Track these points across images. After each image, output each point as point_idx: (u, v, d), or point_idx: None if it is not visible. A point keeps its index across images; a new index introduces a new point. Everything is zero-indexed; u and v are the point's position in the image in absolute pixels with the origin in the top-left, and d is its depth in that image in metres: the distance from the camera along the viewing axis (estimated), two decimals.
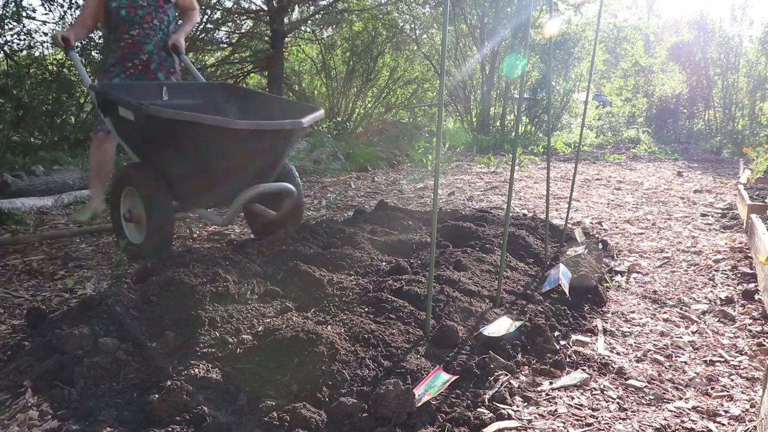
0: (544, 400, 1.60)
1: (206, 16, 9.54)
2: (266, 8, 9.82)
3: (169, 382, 1.44)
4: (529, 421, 1.49)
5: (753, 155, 6.45)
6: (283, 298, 2.02)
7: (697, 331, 2.14)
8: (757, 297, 2.44)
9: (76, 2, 7.92)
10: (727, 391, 1.69)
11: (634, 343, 2.01)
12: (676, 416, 1.54)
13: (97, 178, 3.31)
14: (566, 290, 2.26)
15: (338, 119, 10.81)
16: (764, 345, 2.00)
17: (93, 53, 8.49)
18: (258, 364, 1.55)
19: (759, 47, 11.35)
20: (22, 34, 7.73)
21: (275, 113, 3.01)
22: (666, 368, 1.82)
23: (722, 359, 1.90)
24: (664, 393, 1.66)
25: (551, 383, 1.69)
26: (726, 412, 1.57)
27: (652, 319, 2.24)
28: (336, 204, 4.52)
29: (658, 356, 1.90)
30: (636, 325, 2.17)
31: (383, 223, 3.12)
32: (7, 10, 7.18)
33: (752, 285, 2.58)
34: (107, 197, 3.34)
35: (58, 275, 2.61)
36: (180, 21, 3.44)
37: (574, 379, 1.72)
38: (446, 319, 1.85)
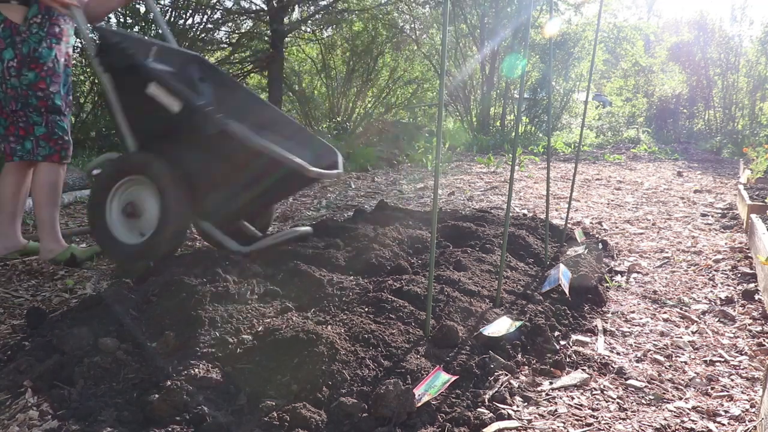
0: (544, 400, 1.60)
1: (206, 16, 9.53)
2: (266, 8, 9.82)
3: (169, 382, 1.44)
4: (529, 421, 1.49)
5: (753, 155, 6.45)
6: (283, 298, 2.02)
7: (697, 331, 2.14)
8: (757, 297, 2.44)
9: None
10: (727, 391, 1.69)
11: (634, 343, 2.01)
12: (676, 416, 1.54)
13: (47, 207, 2.68)
14: (566, 290, 2.26)
15: (338, 119, 10.81)
16: (764, 345, 2.00)
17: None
18: (258, 364, 1.55)
19: (759, 47, 11.35)
20: None
21: (275, 126, 2.85)
22: (666, 368, 1.82)
23: (722, 359, 1.90)
24: (664, 393, 1.66)
25: (551, 383, 1.69)
26: (726, 412, 1.57)
27: (652, 319, 2.24)
28: (336, 204, 4.52)
29: (658, 356, 1.90)
30: (636, 325, 2.17)
31: (383, 224, 3.12)
32: None
33: (752, 285, 2.58)
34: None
35: (58, 275, 2.61)
36: None
37: (574, 379, 1.72)
38: (446, 319, 1.85)
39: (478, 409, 1.48)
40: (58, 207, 2.74)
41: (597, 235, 3.50)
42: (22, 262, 2.77)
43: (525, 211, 4.23)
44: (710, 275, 2.80)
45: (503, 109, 11.33)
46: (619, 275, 2.79)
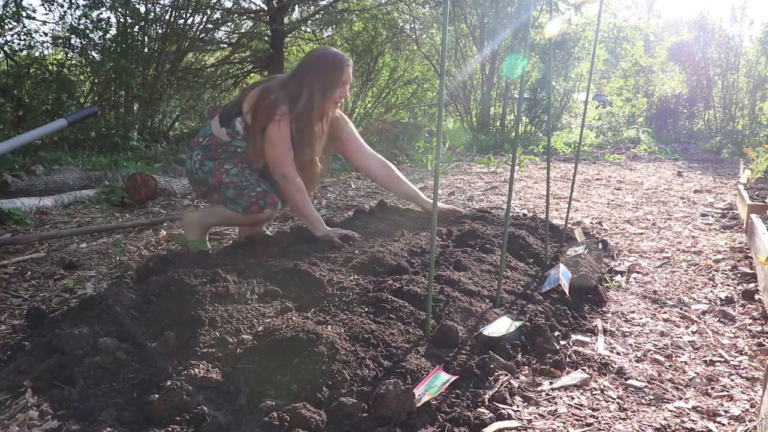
0: (544, 400, 1.60)
1: (206, 16, 9.52)
2: (266, 8, 9.83)
3: (169, 382, 1.43)
4: (529, 421, 1.49)
5: (753, 155, 6.45)
6: (283, 298, 2.02)
7: (697, 331, 2.14)
8: (757, 297, 2.44)
9: (77, 2, 7.92)
10: (727, 391, 1.69)
11: (634, 343, 2.01)
12: (676, 416, 1.54)
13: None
14: (566, 290, 2.26)
15: None
16: (764, 345, 2.00)
17: (92, 53, 8.48)
18: (258, 364, 1.55)
19: (759, 47, 11.36)
20: (22, 34, 7.74)
21: None
22: (666, 368, 1.82)
23: (722, 359, 1.90)
24: (664, 393, 1.66)
25: (551, 383, 1.69)
26: (726, 412, 1.57)
27: (652, 319, 2.24)
28: (336, 204, 4.52)
29: (658, 356, 1.90)
30: (636, 325, 2.17)
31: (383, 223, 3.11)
32: (7, 10, 7.18)
33: (752, 285, 2.58)
34: None
35: (57, 275, 2.61)
36: None
37: (574, 379, 1.72)
38: (446, 319, 1.84)
39: (478, 409, 1.48)
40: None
41: (597, 235, 3.50)
42: (15, 264, 2.78)
43: (525, 211, 4.23)
44: (710, 275, 2.80)
45: (503, 109, 11.33)
46: (619, 275, 2.79)
